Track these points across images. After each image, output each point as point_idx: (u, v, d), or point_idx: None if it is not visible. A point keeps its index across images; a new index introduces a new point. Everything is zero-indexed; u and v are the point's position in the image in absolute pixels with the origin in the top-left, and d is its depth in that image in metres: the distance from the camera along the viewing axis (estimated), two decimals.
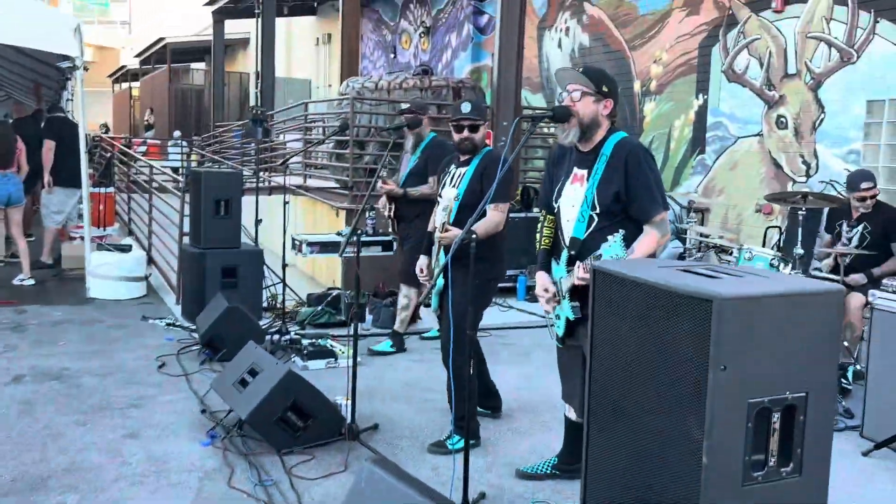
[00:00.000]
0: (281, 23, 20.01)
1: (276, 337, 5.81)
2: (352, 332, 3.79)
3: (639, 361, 1.97)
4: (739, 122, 8.99)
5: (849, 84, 7.74)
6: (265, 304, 6.94)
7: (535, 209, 8.60)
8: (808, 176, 8.20)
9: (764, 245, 8.56)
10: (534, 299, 7.95)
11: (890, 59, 7.35)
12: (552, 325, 3.31)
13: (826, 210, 5.82)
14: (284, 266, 6.08)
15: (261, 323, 6.30)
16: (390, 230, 6.09)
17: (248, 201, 7.09)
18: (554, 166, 3.31)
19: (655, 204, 3.01)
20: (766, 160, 8.67)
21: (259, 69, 17.33)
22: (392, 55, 17.15)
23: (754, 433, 1.83)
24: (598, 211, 3.04)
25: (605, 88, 3.06)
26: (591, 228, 3.06)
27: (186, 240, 7.11)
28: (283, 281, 6.15)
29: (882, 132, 7.46)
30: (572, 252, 3.10)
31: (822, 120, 8.03)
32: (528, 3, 8.75)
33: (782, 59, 8.41)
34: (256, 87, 17.73)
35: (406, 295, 5.83)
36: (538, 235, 3.40)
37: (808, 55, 8.13)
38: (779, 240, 8.58)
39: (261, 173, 9.78)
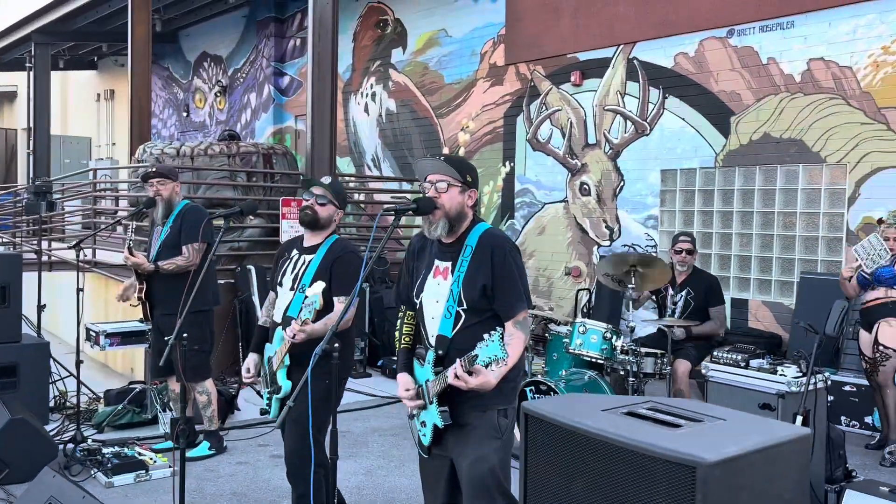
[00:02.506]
0: (55, 76, 18.38)
1: (70, 447, 4.97)
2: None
3: None
4: (545, 188, 9.32)
5: (644, 154, 8.27)
6: (52, 404, 5.99)
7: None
8: (611, 240, 8.62)
9: (576, 306, 8.87)
10: (359, 375, 7.58)
11: (678, 132, 7.95)
12: (419, 432, 3.01)
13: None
14: (79, 364, 5.26)
15: (48, 427, 5.40)
16: (141, 317, 5.34)
17: (26, 279, 6.14)
18: (413, 259, 3.05)
19: (520, 302, 2.84)
20: (571, 225, 9.02)
21: (31, 126, 15.69)
22: (185, 114, 16.27)
23: None
24: (465, 307, 2.82)
25: (469, 178, 2.88)
26: (458, 325, 2.83)
27: None
28: (78, 380, 5.32)
29: (676, 199, 8.02)
30: (440, 352, 2.84)
31: (621, 187, 8.50)
32: None
33: (583, 130, 8.85)
34: (28, 147, 16.01)
35: (202, 391, 5.20)
36: (397, 333, 3.11)
37: (607, 126, 8.61)
38: (588, 300, 8.93)
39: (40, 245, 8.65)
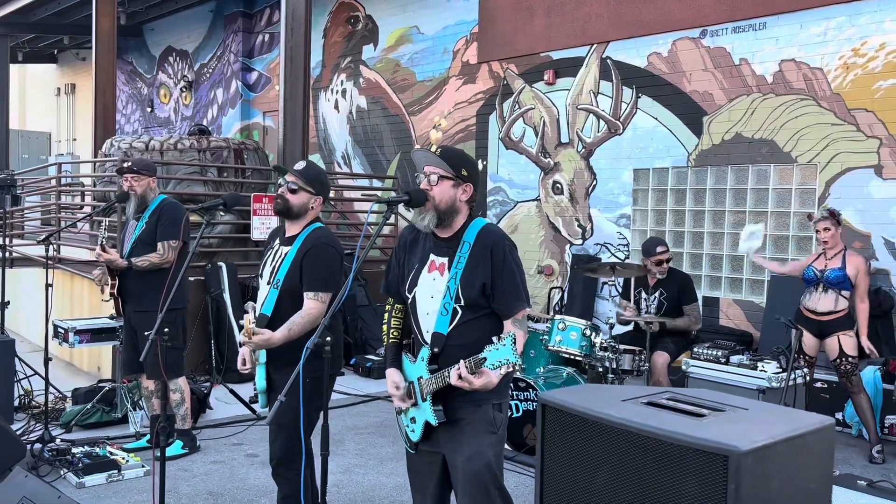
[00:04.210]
0: (14, 70, 17.91)
1: (37, 447, 4.82)
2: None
3: None
4: (518, 187, 9.32)
5: (617, 153, 8.31)
6: (17, 403, 5.81)
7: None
8: (584, 239, 8.65)
9: (548, 304, 8.89)
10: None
11: (651, 131, 8.00)
12: (406, 428, 2.96)
13: (623, 278, 6.06)
14: (47, 361, 5.11)
15: (14, 427, 5.23)
16: (114, 312, 5.24)
17: None
18: (404, 251, 2.99)
19: (520, 301, 2.80)
20: (544, 224, 9.03)
21: None
22: (149, 109, 15.98)
23: None
24: (462, 304, 2.77)
25: (464, 172, 2.82)
26: (455, 322, 2.78)
27: None
28: (46, 379, 5.17)
29: (648, 198, 8.07)
30: (435, 349, 2.79)
31: (594, 186, 8.53)
32: None
33: (556, 129, 8.87)
34: None
35: (175, 389, 5.08)
36: (385, 327, 3.05)
37: (580, 125, 8.64)
38: (561, 298, 8.96)
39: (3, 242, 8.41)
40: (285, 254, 3.45)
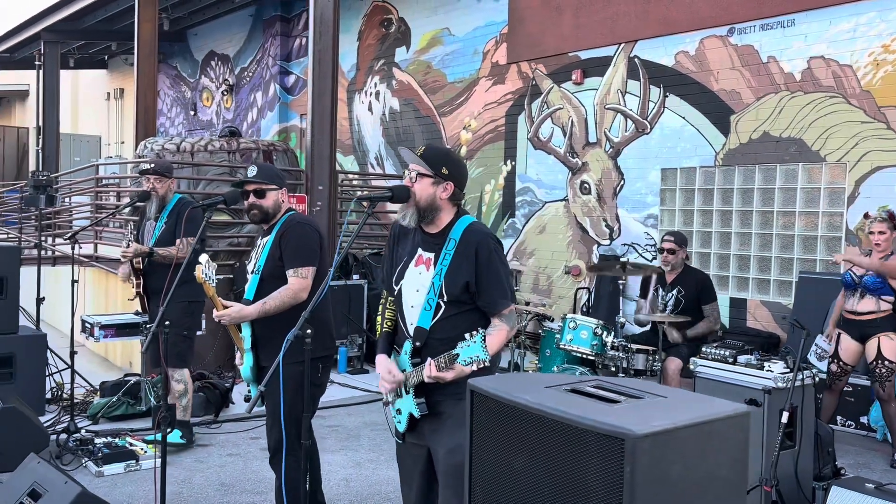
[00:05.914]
0: (66, 75, 18.54)
1: (62, 437, 5.02)
2: (159, 439, 3.24)
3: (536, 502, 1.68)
4: (546, 187, 9.31)
5: (644, 153, 8.25)
6: (49, 395, 6.05)
7: (356, 276, 8.32)
8: (611, 239, 8.60)
9: (575, 305, 8.86)
10: (355, 371, 7.61)
11: (679, 130, 7.92)
12: (394, 419, 3.02)
13: (642, 276, 6.03)
14: (73, 354, 5.31)
15: (44, 418, 5.46)
16: (139, 309, 5.42)
17: (27, 273, 6.23)
18: (396, 244, 3.06)
19: (504, 298, 2.85)
20: (572, 224, 9.01)
21: (41, 124, 15.81)
22: (192, 112, 16.36)
23: None
24: (445, 299, 2.83)
25: (445, 171, 2.87)
26: (437, 317, 2.83)
27: None
28: (73, 370, 5.37)
29: (676, 198, 7.99)
30: (417, 343, 2.84)
31: (621, 186, 8.48)
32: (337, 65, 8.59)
33: (583, 128, 8.84)
34: (38, 145, 16.14)
35: (179, 379, 5.20)
36: (379, 318, 3.11)
37: (607, 125, 8.60)
38: (588, 299, 8.92)
39: (44, 240, 8.75)
40: (265, 243, 3.63)
